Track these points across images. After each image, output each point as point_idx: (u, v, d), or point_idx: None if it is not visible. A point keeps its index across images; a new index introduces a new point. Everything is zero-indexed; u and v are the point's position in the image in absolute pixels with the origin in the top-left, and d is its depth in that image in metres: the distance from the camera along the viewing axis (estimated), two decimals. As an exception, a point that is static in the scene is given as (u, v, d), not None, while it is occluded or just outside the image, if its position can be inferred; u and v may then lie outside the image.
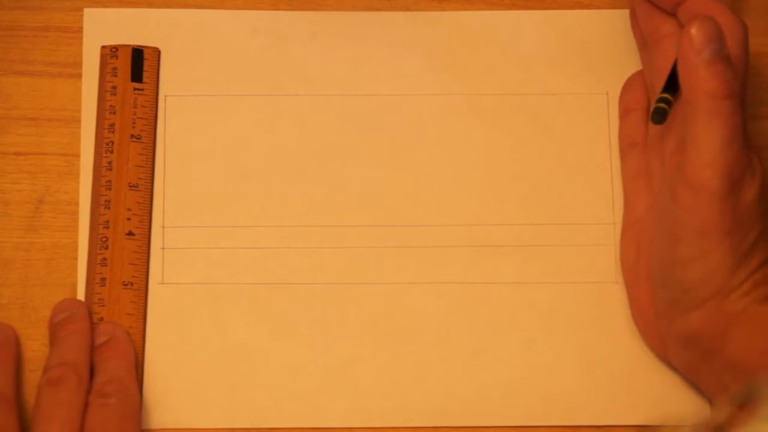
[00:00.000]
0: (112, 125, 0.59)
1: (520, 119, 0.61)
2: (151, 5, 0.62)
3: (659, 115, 0.53)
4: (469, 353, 0.58)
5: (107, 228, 0.58)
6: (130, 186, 0.59)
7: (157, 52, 0.60)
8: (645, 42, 0.58)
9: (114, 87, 0.60)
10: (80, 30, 0.61)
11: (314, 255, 0.59)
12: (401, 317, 0.58)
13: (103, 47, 0.60)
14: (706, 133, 0.52)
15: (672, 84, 0.54)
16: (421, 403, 0.58)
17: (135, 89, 0.60)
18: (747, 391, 0.48)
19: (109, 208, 0.58)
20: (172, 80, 0.61)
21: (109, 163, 0.59)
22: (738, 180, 0.52)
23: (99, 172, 0.59)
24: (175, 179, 0.60)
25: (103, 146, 0.59)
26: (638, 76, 0.60)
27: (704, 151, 0.52)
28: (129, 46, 0.60)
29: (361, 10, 0.62)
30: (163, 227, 0.59)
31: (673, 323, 0.55)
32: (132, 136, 0.59)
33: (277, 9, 0.62)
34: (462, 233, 0.59)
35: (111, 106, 0.59)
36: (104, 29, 0.61)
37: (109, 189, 0.59)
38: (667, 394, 0.58)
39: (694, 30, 0.52)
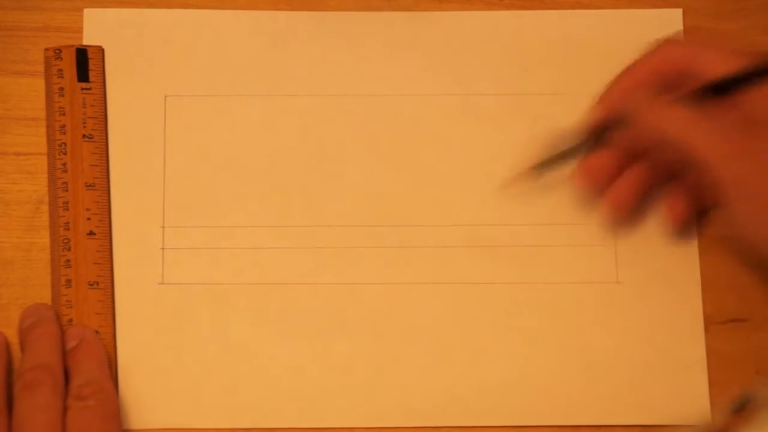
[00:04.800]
0: (63, 126, 0.59)
1: (520, 119, 0.61)
2: (151, 5, 0.62)
3: None
4: (469, 353, 0.58)
5: (68, 229, 0.58)
6: (87, 186, 0.59)
7: (101, 51, 0.60)
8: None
9: (61, 88, 0.60)
10: (80, 30, 0.61)
11: (314, 255, 0.59)
12: (401, 317, 0.58)
13: (47, 49, 0.60)
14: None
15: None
16: (421, 403, 0.58)
17: (82, 89, 0.60)
18: (744, 397, 0.48)
19: (68, 210, 0.58)
20: (172, 80, 0.61)
21: (64, 164, 0.59)
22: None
23: (54, 174, 0.59)
24: (175, 179, 0.60)
25: (56, 148, 0.59)
26: None
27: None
28: (72, 46, 0.60)
29: (361, 10, 0.62)
30: (163, 227, 0.59)
31: None
32: (84, 135, 0.59)
33: (277, 9, 0.62)
34: (462, 233, 0.59)
35: (60, 107, 0.59)
36: (104, 29, 0.61)
37: (66, 190, 0.58)
38: (667, 394, 0.58)
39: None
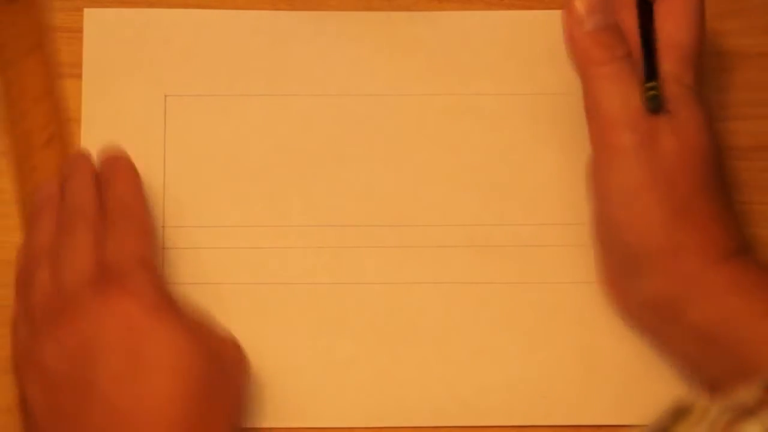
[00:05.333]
0: None
1: (520, 119, 0.61)
2: (151, 5, 0.62)
3: (654, 103, 0.53)
4: (469, 353, 0.58)
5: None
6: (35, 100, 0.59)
7: None
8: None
9: None
10: (80, 30, 0.61)
11: (314, 255, 0.59)
12: (401, 317, 0.59)
13: None
14: (600, 98, 0.54)
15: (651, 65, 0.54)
16: (421, 403, 0.58)
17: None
18: None
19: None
20: (172, 80, 0.61)
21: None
22: (647, 135, 0.53)
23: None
24: (175, 179, 0.60)
25: None
26: None
27: (604, 113, 0.54)
28: None
29: (361, 10, 0.62)
30: (163, 227, 0.59)
31: (629, 289, 0.55)
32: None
33: (277, 9, 0.62)
34: (462, 233, 0.59)
35: None
36: (104, 29, 0.61)
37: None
38: (667, 394, 0.58)
39: (577, 3, 0.55)
